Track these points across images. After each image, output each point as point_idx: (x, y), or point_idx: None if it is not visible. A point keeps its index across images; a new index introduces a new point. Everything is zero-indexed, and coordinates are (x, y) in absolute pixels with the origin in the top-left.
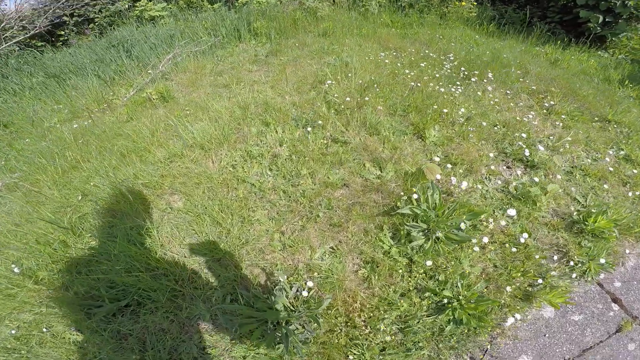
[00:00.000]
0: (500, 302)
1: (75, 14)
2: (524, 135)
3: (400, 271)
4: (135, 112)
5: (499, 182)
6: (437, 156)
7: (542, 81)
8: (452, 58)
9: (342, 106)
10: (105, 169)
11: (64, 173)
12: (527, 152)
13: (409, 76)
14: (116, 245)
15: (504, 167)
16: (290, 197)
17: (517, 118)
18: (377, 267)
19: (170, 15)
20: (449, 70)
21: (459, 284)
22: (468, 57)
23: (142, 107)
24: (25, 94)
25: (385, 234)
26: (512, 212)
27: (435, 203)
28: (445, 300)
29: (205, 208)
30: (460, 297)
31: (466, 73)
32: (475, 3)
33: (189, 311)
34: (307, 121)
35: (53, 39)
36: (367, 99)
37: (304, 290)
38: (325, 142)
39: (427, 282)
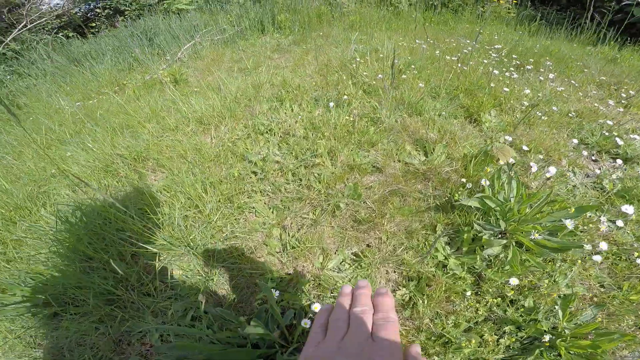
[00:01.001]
0: (635, 335)
1: (106, 6)
2: (609, 122)
3: (468, 293)
4: (143, 93)
5: (588, 176)
6: (508, 136)
7: (608, 75)
8: (499, 47)
9: (374, 82)
10: (88, 141)
11: (48, 147)
12: (619, 142)
13: (451, 60)
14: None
15: (590, 160)
16: (301, 180)
17: (595, 105)
18: (427, 286)
19: (196, 8)
20: (497, 58)
21: (560, 312)
22: (516, 49)
23: (152, 88)
24: (47, 78)
25: (438, 238)
26: (628, 209)
27: (513, 195)
28: (546, 337)
29: (184, 186)
30: (565, 331)
31: (519, 62)
32: (516, 1)
33: (130, 324)
34: (329, 99)
35: (85, 31)
36: (404, 77)
37: (305, 317)
38: (351, 119)
39: (505, 309)
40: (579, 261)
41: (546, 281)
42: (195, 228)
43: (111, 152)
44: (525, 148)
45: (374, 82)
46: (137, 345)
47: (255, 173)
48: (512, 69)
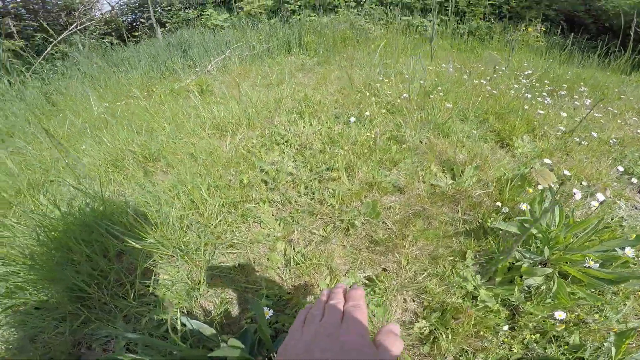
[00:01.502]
0: None
1: (150, 17)
2: None
3: (505, 328)
4: (169, 99)
5: (637, 208)
6: (547, 159)
7: None
8: (529, 73)
9: (398, 101)
10: (104, 136)
11: (68, 139)
12: None
13: (479, 84)
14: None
15: (635, 191)
16: (313, 194)
17: (638, 132)
18: (454, 319)
19: (230, 25)
20: (528, 84)
21: (613, 349)
22: (548, 75)
23: (178, 96)
24: (85, 80)
25: (468, 266)
26: None
27: (556, 221)
28: None
29: (186, 185)
30: None
31: (551, 87)
32: (544, 29)
33: (95, 327)
34: (350, 116)
35: (126, 39)
36: (430, 97)
37: None
38: (372, 135)
39: (545, 347)
40: (623, 296)
41: (596, 315)
42: (190, 230)
43: (123, 147)
44: (566, 173)
45: (398, 101)
46: (98, 350)
47: (265, 182)
48: (544, 94)
